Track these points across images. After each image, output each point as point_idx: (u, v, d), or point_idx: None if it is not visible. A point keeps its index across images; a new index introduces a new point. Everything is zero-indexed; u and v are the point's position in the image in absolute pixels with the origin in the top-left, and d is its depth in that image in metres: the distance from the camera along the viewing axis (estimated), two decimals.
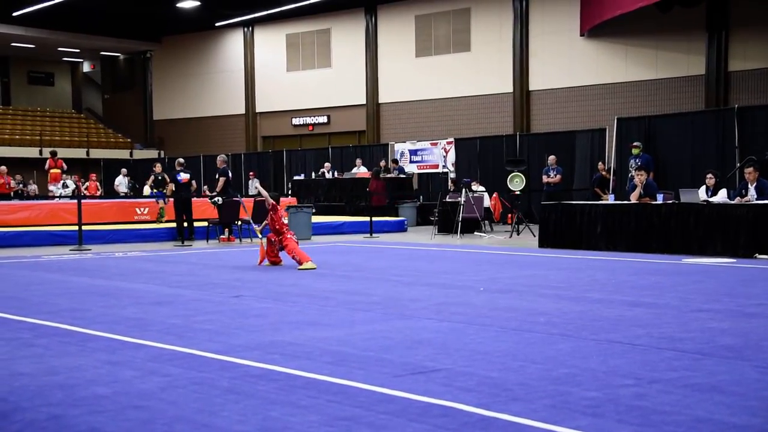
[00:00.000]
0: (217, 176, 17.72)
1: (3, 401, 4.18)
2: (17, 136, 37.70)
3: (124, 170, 28.08)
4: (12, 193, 25.62)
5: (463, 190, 18.00)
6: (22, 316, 7.04)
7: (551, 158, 20.48)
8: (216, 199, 17.00)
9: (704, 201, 13.06)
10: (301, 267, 10.78)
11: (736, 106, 18.75)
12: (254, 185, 15.78)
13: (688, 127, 18.72)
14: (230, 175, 18.35)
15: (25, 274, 10.91)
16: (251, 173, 29.02)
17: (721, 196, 13.42)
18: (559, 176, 20.29)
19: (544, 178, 20.44)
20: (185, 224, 16.74)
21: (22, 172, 31.82)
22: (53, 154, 25.93)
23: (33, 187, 30.92)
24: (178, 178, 16.98)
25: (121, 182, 27.09)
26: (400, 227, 20.32)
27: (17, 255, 13.91)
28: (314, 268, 10.73)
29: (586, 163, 21.55)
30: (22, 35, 36.12)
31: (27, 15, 32.56)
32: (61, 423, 3.80)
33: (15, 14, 32.58)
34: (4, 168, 24.88)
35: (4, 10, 32.30)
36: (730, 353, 5.19)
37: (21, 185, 29.22)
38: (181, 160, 17.97)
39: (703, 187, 14.07)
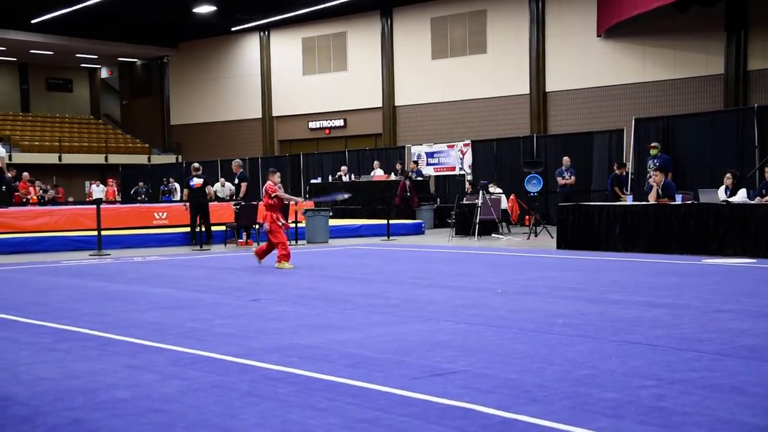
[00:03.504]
0: (237, 181, 17.71)
1: (25, 405, 4.22)
2: (36, 143, 38.02)
3: (222, 179, 27.86)
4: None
5: (481, 192, 17.96)
6: (43, 321, 7.09)
7: (565, 159, 20.40)
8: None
9: (723, 201, 12.97)
10: (278, 265, 11.50)
11: (756, 105, 18.58)
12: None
13: (707, 127, 18.58)
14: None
15: (45, 279, 10.99)
16: None
17: (741, 196, 13.32)
18: (573, 177, 20.21)
19: (559, 180, 20.35)
20: (202, 229, 16.76)
21: (41, 179, 32.09)
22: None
23: (51, 193, 31.22)
24: (191, 183, 17.03)
25: (219, 189, 26.67)
26: (417, 230, 20.30)
27: (37, 260, 14.01)
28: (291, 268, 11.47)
29: (603, 164, 21.43)
30: (40, 42, 36.44)
31: (45, 22, 32.84)
32: (82, 427, 3.82)
33: (33, 21, 32.87)
34: (26, 174, 25.10)
35: (22, 17, 32.61)
36: (751, 354, 5.15)
37: (42, 191, 29.51)
38: (197, 164, 18.01)
39: (723, 188, 13.97)
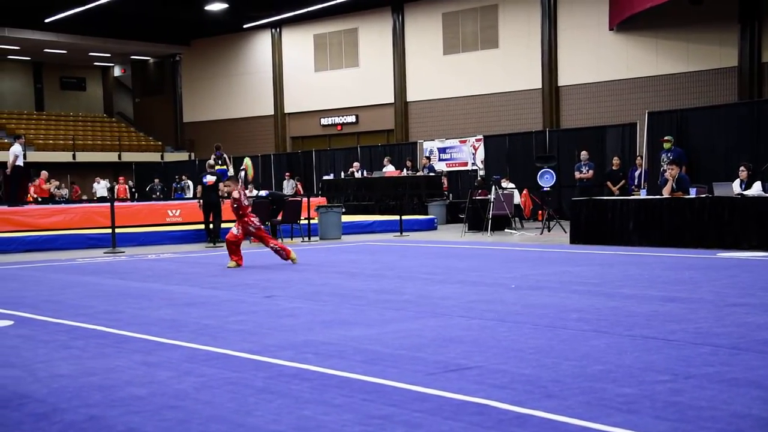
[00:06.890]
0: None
1: (43, 402, 4.24)
2: (51, 141, 38.22)
3: (288, 173, 28.27)
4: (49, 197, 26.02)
5: (493, 187, 17.93)
6: (58, 319, 7.13)
7: (584, 154, 20.31)
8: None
9: (738, 194, 12.90)
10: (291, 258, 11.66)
11: None
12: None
13: (721, 119, 18.47)
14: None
15: (60, 277, 11.05)
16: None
17: (756, 189, 13.24)
18: (591, 171, 20.15)
19: (577, 174, 20.28)
20: (212, 226, 16.76)
21: (56, 177, 32.22)
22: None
23: (66, 191, 31.36)
24: (204, 180, 17.05)
25: (286, 186, 27.16)
26: (429, 225, 20.30)
27: (52, 258, 14.09)
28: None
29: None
30: (54, 41, 36.63)
31: (59, 21, 33.02)
32: (99, 423, 3.84)
33: (47, 21, 33.04)
34: (45, 173, 25.26)
35: (36, 17, 32.80)
36: (767, 348, 5.13)
37: (56, 189, 29.69)
38: (211, 162, 18.02)
39: (737, 181, 13.89)
